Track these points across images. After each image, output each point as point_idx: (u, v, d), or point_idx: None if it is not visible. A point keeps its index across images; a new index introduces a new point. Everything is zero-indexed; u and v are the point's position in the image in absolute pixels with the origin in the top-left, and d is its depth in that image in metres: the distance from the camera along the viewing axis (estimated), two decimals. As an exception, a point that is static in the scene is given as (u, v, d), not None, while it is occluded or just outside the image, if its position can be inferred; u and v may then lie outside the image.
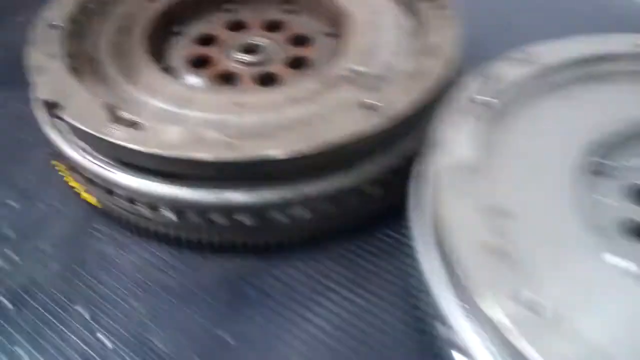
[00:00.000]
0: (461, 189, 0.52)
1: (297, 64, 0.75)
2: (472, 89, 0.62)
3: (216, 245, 0.60)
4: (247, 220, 0.58)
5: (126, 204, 0.60)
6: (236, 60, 0.74)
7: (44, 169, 0.68)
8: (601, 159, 0.61)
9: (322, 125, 0.58)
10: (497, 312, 0.43)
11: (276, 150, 0.53)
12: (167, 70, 0.73)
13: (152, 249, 0.61)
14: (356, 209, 0.62)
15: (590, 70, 0.67)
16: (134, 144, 0.54)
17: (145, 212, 0.59)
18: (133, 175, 0.58)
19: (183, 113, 0.61)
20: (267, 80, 0.72)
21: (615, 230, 0.55)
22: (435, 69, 0.65)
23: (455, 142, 0.56)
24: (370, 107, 0.59)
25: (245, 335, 0.55)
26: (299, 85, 0.67)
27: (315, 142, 0.54)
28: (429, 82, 0.63)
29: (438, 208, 0.50)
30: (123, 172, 0.58)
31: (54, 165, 0.67)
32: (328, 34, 0.79)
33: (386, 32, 0.74)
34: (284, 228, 0.60)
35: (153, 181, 0.57)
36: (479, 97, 0.60)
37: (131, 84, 0.66)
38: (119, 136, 0.55)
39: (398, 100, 0.60)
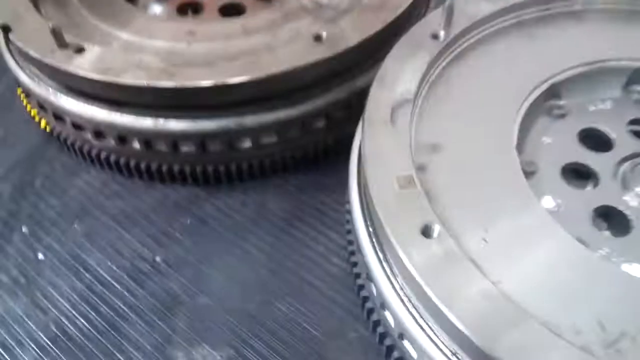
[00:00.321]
0: (392, 123, 0.50)
1: (264, -5, 0.73)
2: (433, 24, 0.59)
3: (159, 172, 0.60)
4: (187, 148, 0.58)
5: (73, 130, 0.61)
6: (204, -10, 0.73)
7: (9, 97, 0.69)
8: (557, 100, 0.58)
9: (267, 56, 0.56)
10: (401, 246, 0.42)
11: (207, 79, 0.53)
12: (134, -1, 0.73)
13: (99, 174, 0.62)
14: (302, 142, 0.61)
15: (561, 8, 0.62)
16: (72, 67, 0.54)
17: (91, 137, 0.60)
18: (77, 101, 0.58)
19: (134, 40, 0.61)
20: (231, 10, 0.70)
21: (556, 172, 0.53)
22: (399, 2, 0.62)
23: (399, 77, 0.54)
24: (320, 39, 0.58)
25: (175, 259, 0.56)
26: (258, 16, 0.65)
27: (251, 72, 0.53)
28: (389, 15, 0.60)
29: (363, 140, 0.49)
30: (68, 97, 0.58)
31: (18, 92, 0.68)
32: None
33: (358, -36, 0.71)
34: (226, 158, 0.60)
35: (96, 107, 0.57)
36: (437, 32, 0.58)
37: (90, 11, 0.65)
38: (60, 60, 0.55)
39: (351, 33, 0.58)
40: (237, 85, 0.53)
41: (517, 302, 0.40)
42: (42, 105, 0.62)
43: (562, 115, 0.57)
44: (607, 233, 0.49)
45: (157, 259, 0.56)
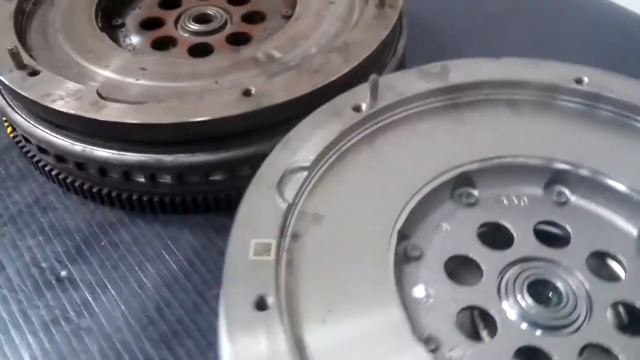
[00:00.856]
0: (277, 187, 0.51)
1: (237, 40, 0.76)
2: (358, 96, 0.59)
3: (90, 192, 0.64)
4: (113, 175, 0.62)
5: (24, 140, 0.67)
6: (183, 28, 0.77)
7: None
8: (470, 188, 0.57)
9: (193, 103, 0.60)
10: (228, 315, 0.43)
11: (126, 117, 0.57)
12: (118, 28, 0.78)
13: (44, 184, 0.68)
14: (226, 186, 0.63)
15: (500, 95, 0.61)
16: (17, 86, 0.60)
17: (33, 151, 0.66)
18: (25, 117, 0.64)
19: (90, 69, 0.66)
20: (199, 51, 0.74)
21: (441, 262, 0.51)
22: (339, 67, 0.64)
23: (304, 143, 0.55)
24: (249, 94, 0.60)
25: (78, 277, 0.59)
26: (212, 61, 0.69)
27: (168, 117, 0.57)
28: (322, 80, 0.62)
29: (242, 200, 0.51)
30: (18, 113, 0.65)
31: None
32: (284, 16, 0.80)
33: (326, 23, 0.73)
34: (149, 190, 0.63)
35: (38, 126, 0.63)
36: (360, 104, 0.59)
37: (66, 38, 0.71)
38: (11, 79, 0.61)
39: (279, 92, 0.61)
40: (151, 126, 0.56)
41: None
42: (3, 115, 0.68)
43: (472, 204, 0.56)
44: (467, 335, 0.47)
45: (63, 274, 0.60)
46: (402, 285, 0.50)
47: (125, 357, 0.53)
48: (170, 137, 0.58)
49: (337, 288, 0.47)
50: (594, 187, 0.55)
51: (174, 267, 0.60)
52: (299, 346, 0.42)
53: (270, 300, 0.43)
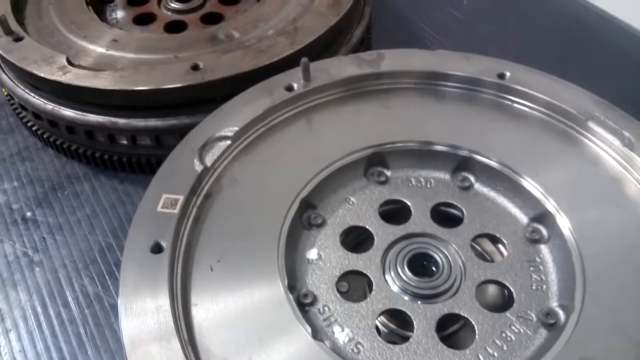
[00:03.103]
0: (199, 152, 0.57)
1: (211, 19, 0.82)
2: (293, 76, 0.65)
3: (62, 147, 0.73)
4: (79, 134, 0.70)
5: (12, 99, 0.76)
6: (164, 6, 0.84)
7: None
8: (383, 168, 0.61)
9: (143, 73, 0.67)
10: (125, 259, 0.50)
11: (84, 82, 0.65)
12: (107, 3, 0.86)
13: (28, 138, 0.78)
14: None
15: (422, 85, 0.65)
16: (2, 50, 0.69)
17: (19, 108, 0.75)
18: (9, 78, 0.73)
19: (69, 38, 0.74)
20: (174, 28, 0.81)
21: (337, 231, 0.56)
22: (283, 49, 0.69)
23: (234, 115, 0.61)
24: (197, 68, 0.67)
25: (40, 219, 0.69)
26: (178, 38, 0.76)
27: (118, 84, 0.64)
28: (266, 58, 0.68)
29: (165, 161, 0.58)
30: (5, 73, 0.74)
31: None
32: (259, -1, 0.86)
33: (288, 8, 0.78)
34: (109, 149, 0.71)
35: (19, 86, 0.72)
36: (293, 84, 0.64)
37: (56, 12, 0.79)
38: (-1, 44, 0.70)
39: (224, 69, 0.67)
40: (103, 91, 0.64)
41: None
42: (-5, 73, 0.78)
43: (382, 183, 0.61)
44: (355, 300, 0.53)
45: (28, 215, 0.69)
46: (297, 247, 0.56)
47: (65, 287, 0.62)
48: (120, 102, 0.66)
49: (231, 242, 0.53)
50: (496, 177, 0.59)
51: (122, 218, 0.68)
52: (183, 286, 0.49)
53: (165, 245, 0.51)
